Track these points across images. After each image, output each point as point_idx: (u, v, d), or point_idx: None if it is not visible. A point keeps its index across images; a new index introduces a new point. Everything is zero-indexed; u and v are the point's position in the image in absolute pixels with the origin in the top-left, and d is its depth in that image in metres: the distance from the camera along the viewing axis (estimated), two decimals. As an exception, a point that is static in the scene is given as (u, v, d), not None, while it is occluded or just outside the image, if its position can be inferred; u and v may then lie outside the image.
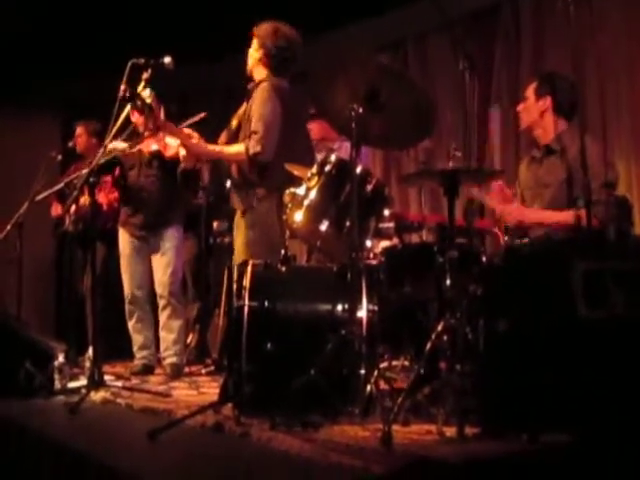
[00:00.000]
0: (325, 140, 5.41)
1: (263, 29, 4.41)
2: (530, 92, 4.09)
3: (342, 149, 5.05)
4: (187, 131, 4.49)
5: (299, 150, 4.29)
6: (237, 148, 4.31)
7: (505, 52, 6.05)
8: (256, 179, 4.26)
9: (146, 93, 4.26)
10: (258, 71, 4.43)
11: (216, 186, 5.60)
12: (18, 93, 7.29)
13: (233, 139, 4.43)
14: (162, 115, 5.02)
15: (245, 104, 4.43)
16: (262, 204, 4.23)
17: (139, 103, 4.33)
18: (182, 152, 4.83)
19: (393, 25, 6.63)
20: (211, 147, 4.45)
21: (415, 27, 6.62)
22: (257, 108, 4.26)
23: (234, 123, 4.49)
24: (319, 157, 4.15)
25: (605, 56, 5.38)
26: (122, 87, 4.30)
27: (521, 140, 5.75)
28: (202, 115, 4.41)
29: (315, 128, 5.22)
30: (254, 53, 4.43)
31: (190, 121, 4.47)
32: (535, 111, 4.06)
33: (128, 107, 4.19)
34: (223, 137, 4.54)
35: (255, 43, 4.43)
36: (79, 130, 6.49)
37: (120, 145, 5.09)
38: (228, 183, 4.43)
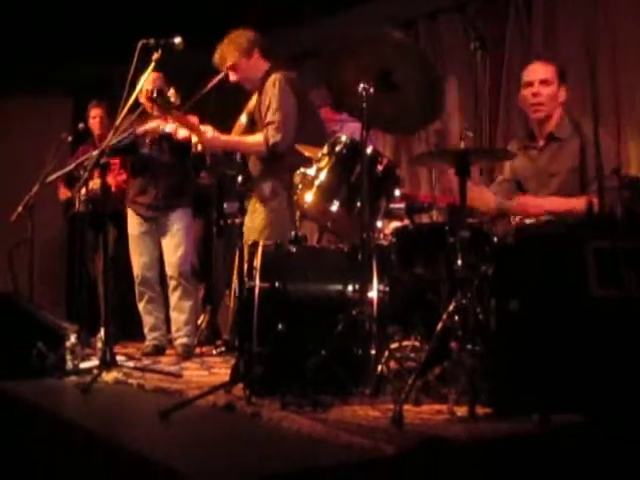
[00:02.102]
0: (326, 122, 5.39)
1: (232, 47, 4.44)
2: (553, 76, 3.97)
3: (344, 130, 5.03)
4: (204, 128, 4.43)
5: (313, 136, 4.27)
6: (256, 138, 4.32)
7: (517, 33, 5.97)
8: (274, 168, 4.26)
9: (171, 92, 4.24)
10: (256, 70, 4.44)
11: (223, 167, 5.57)
12: (29, 76, 7.27)
13: (246, 134, 4.42)
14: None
15: (256, 98, 4.43)
16: (283, 191, 4.23)
17: (164, 103, 4.30)
18: (194, 138, 4.74)
19: (404, 5, 6.57)
20: (228, 139, 4.44)
21: (426, 7, 6.57)
22: (272, 101, 4.28)
23: (244, 118, 4.48)
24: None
25: (617, 39, 5.31)
26: (149, 87, 4.30)
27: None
28: (221, 75, 4.38)
29: None
30: (243, 63, 4.43)
31: (211, 84, 4.43)
32: (556, 99, 3.97)
33: (137, 89, 4.15)
34: (234, 134, 4.53)
35: (236, 57, 4.43)
36: (96, 111, 6.38)
37: (152, 124, 5.06)
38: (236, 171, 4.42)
